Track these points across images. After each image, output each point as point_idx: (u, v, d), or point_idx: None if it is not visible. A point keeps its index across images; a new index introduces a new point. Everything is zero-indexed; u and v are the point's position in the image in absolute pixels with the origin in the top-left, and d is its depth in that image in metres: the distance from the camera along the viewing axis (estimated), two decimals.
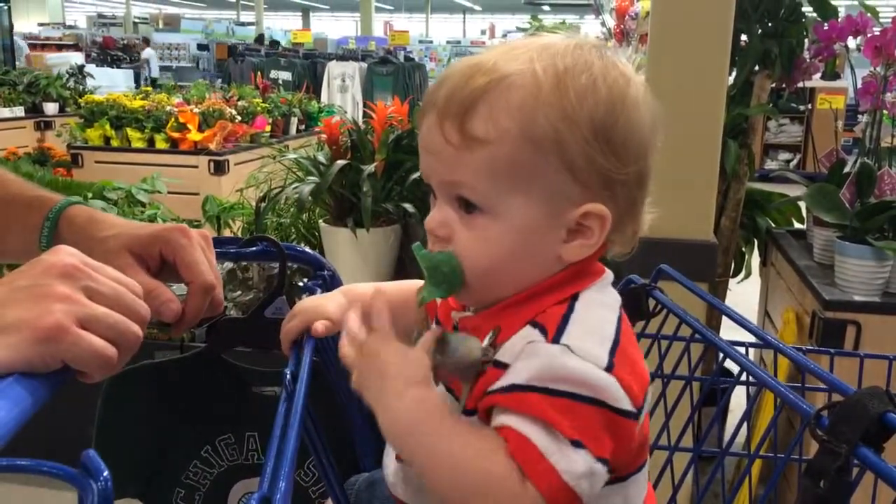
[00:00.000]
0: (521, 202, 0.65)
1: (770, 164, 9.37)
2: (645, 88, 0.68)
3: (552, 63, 0.65)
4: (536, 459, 0.59)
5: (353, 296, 0.86)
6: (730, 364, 0.92)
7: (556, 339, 0.62)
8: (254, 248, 0.98)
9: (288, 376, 0.67)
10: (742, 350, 0.91)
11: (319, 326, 0.80)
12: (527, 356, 0.63)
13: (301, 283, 1.97)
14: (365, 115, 2.82)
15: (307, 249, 1.07)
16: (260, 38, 13.57)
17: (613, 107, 0.65)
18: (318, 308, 0.84)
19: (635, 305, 0.91)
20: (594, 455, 0.60)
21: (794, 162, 9.55)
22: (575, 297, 0.66)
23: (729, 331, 1.04)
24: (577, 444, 0.60)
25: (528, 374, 0.61)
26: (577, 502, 0.60)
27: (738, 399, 1.22)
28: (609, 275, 0.71)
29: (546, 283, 0.67)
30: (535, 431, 0.60)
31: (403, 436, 0.63)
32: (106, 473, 0.39)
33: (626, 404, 0.62)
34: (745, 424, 0.88)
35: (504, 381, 0.63)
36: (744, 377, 0.94)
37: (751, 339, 0.95)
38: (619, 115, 0.65)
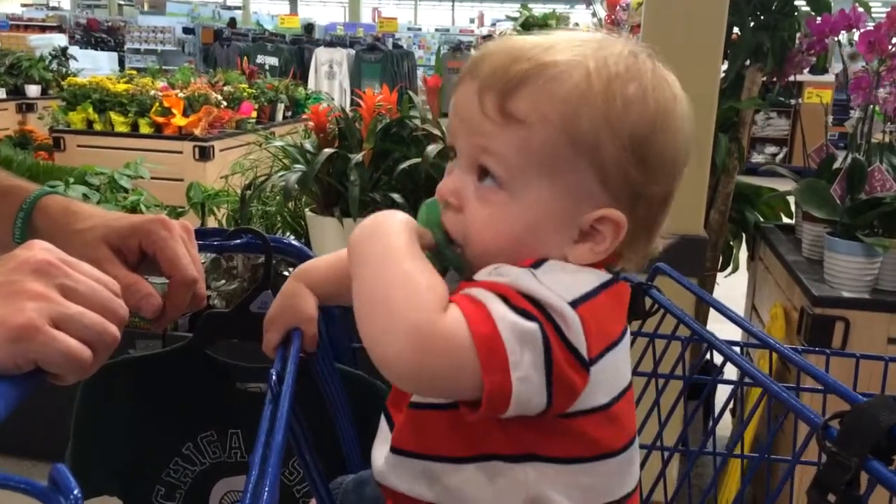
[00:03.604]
0: (543, 188, 0.63)
1: (756, 158, 9.38)
2: (689, 109, 0.67)
3: (605, 64, 0.63)
4: (469, 297, 0.58)
5: (312, 279, 0.84)
6: (718, 360, 0.90)
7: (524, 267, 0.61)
8: (238, 241, 0.95)
9: (273, 377, 0.64)
10: (737, 350, 0.89)
11: (310, 348, 0.79)
12: (492, 274, 0.61)
13: (287, 273, 1.94)
14: (353, 102, 2.78)
15: (294, 241, 1.05)
16: (232, 22, 13.35)
17: (655, 125, 0.64)
18: (291, 309, 0.82)
19: (632, 304, 0.89)
20: (540, 324, 0.56)
21: (781, 156, 9.57)
22: None
23: (713, 324, 1.03)
24: (523, 311, 0.57)
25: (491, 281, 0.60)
26: (496, 342, 0.55)
27: (718, 397, 1.21)
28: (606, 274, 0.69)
29: None
30: (479, 291, 0.59)
31: (366, 237, 0.62)
32: (77, 492, 0.36)
33: (580, 345, 0.58)
34: (730, 423, 0.87)
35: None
36: (733, 378, 0.93)
37: (737, 335, 0.94)
38: (660, 134, 0.64)
